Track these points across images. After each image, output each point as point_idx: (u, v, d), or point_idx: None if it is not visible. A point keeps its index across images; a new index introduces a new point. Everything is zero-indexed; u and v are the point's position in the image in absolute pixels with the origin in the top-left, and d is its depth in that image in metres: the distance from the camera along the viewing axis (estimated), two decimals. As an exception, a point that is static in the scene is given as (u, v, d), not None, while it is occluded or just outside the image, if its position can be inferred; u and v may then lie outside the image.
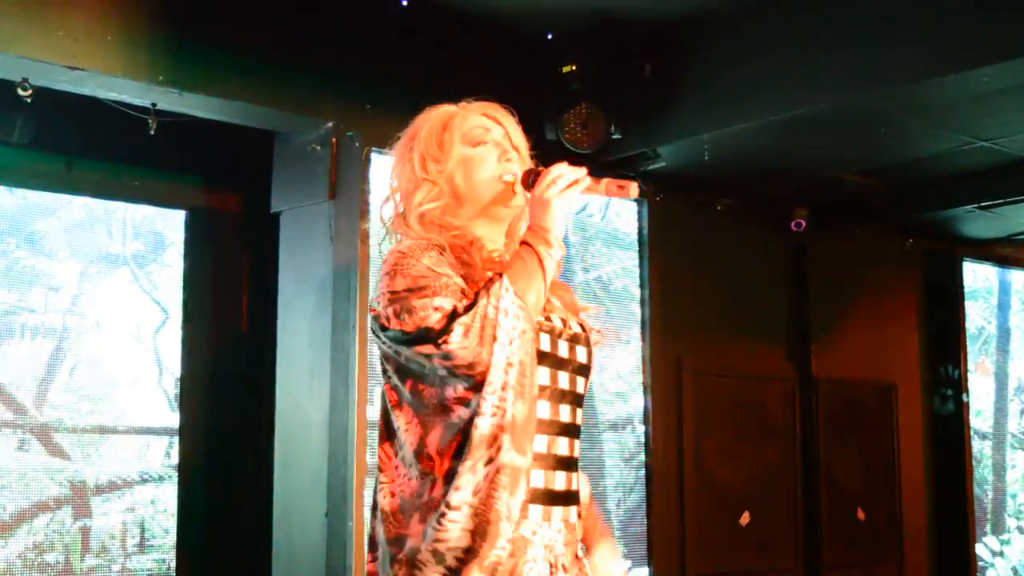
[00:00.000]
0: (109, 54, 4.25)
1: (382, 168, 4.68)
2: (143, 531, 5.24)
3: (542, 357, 2.42)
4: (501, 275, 2.34)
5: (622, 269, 5.91)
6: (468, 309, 2.29)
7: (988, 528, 7.48)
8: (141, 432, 5.29)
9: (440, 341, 2.29)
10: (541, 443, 2.41)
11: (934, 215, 6.44)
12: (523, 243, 2.44)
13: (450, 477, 2.29)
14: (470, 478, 2.27)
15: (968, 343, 7.18)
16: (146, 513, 5.25)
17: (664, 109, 5.14)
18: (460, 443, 2.31)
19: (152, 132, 4.57)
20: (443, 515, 2.27)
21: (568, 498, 2.49)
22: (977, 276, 7.61)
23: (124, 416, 5.24)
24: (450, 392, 2.34)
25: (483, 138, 2.57)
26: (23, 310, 5.05)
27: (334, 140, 4.71)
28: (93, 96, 4.47)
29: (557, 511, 2.45)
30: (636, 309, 5.82)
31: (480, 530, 2.26)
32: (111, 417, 5.20)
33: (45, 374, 5.07)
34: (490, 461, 2.27)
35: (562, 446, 2.47)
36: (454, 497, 2.27)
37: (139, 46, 4.31)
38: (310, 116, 4.72)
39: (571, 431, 2.51)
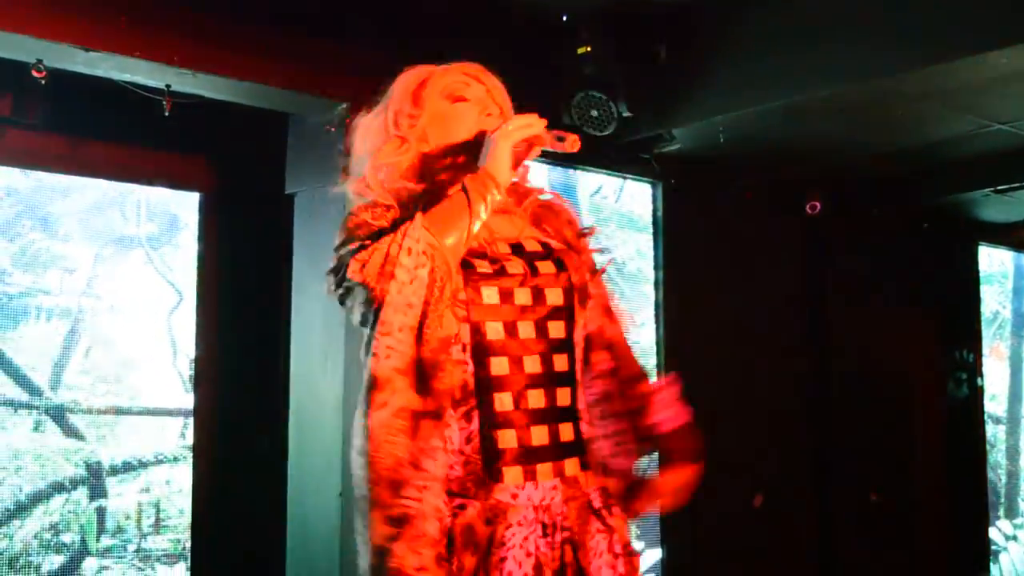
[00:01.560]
0: (123, 35, 4.21)
1: None
2: (158, 512, 5.24)
3: (490, 312, 2.33)
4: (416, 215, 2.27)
5: (636, 251, 5.88)
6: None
7: (1002, 512, 7.49)
8: (156, 413, 5.30)
9: (339, 277, 2.30)
10: (506, 400, 2.31)
11: (950, 199, 6.40)
12: (461, 185, 2.36)
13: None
14: (365, 424, 2.19)
15: (983, 327, 7.16)
16: (161, 494, 5.25)
17: (679, 92, 5.10)
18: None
19: (167, 114, 4.54)
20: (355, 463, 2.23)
21: (557, 451, 2.36)
22: (993, 260, 7.58)
23: (139, 397, 5.24)
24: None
25: (463, 94, 2.51)
26: (38, 292, 5.05)
27: (348, 121, 4.61)
28: (107, 78, 4.44)
29: (544, 467, 2.33)
30: (650, 291, 5.80)
31: (384, 480, 2.16)
32: (126, 398, 5.20)
33: (60, 355, 5.07)
34: (383, 405, 2.18)
35: (534, 399, 2.33)
36: (357, 443, 2.22)
37: (153, 27, 4.27)
38: (324, 97, 4.69)
39: (548, 380, 2.37)
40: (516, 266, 2.40)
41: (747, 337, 6.20)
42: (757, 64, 4.91)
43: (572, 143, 2.41)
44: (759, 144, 5.59)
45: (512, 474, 2.29)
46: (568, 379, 2.41)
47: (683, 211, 5.83)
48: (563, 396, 2.39)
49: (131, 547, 5.15)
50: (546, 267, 2.44)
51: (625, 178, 5.67)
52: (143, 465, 5.22)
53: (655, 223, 5.77)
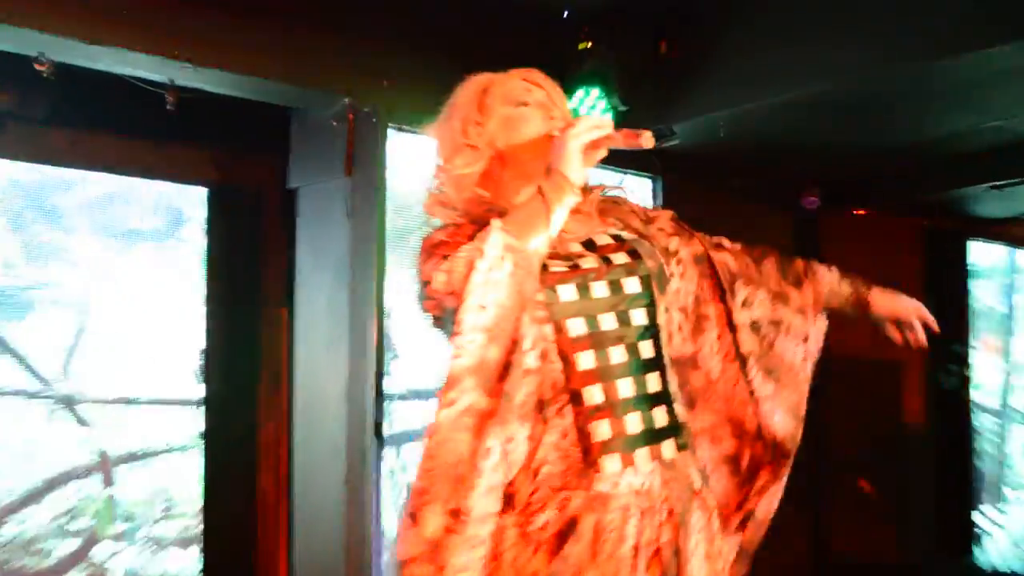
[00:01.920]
0: (125, 28, 4.12)
1: (399, 144, 4.72)
2: (169, 499, 5.22)
3: (573, 308, 2.30)
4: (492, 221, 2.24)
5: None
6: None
7: (987, 498, 7.43)
8: (165, 403, 5.24)
9: (427, 288, 2.26)
10: (596, 393, 2.28)
11: (946, 194, 6.37)
12: (538, 188, 2.31)
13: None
14: (437, 417, 2.15)
15: (977, 321, 7.14)
16: (171, 481, 5.23)
17: (680, 87, 5.08)
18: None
19: (171, 108, 4.47)
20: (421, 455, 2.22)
21: (653, 436, 2.34)
22: (986, 255, 7.56)
23: (149, 388, 5.19)
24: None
25: (525, 98, 2.47)
26: (47, 284, 5.02)
27: (351, 116, 4.63)
28: (110, 72, 4.35)
29: (641, 453, 2.30)
30: (650, 283, 5.71)
31: (445, 475, 2.14)
32: (136, 389, 5.15)
33: (71, 346, 5.05)
34: (451, 403, 2.14)
35: (624, 388, 2.31)
36: (426, 440, 2.17)
37: (155, 21, 4.19)
38: (327, 91, 4.64)
39: (635, 368, 2.34)
40: (589, 261, 2.38)
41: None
42: (757, 60, 4.87)
43: (647, 139, 2.34)
44: (759, 140, 5.54)
45: (610, 463, 2.27)
46: (657, 364, 2.39)
47: (683, 204, 5.69)
48: (653, 382, 2.37)
49: (142, 533, 5.11)
50: (620, 258, 2.41)
51: (625, 173, 5.53)
52: (153, 453, 5.20)
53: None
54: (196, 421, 5.20)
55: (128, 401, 5.12)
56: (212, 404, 5.18)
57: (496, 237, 2.18)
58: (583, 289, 2.33)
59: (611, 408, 2.30)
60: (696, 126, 5.05)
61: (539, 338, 2.27)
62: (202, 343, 5.19)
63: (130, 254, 5.22)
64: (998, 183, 5.96)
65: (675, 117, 5.14)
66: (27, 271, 4.95)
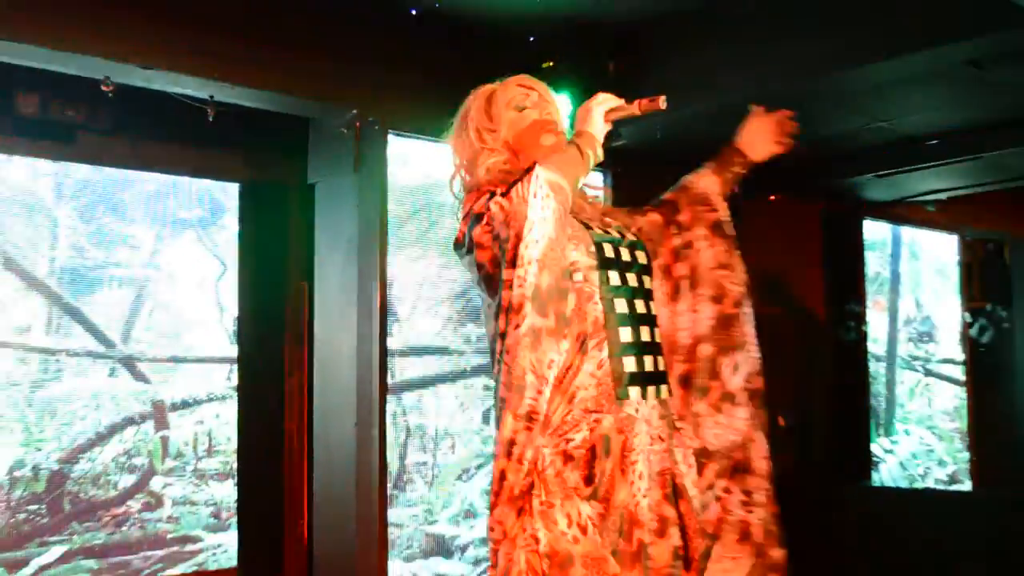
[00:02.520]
0: (174, 55, 4.20)
1: (397, 146, 4.76)
2: (211, 439, 5.23)
3: (610, 263, 2.39)
4: (535, 165, 2.26)
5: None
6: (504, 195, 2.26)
7: (881, 431, 7.51)
8: (207, 361, 5.26)
9: (484, 220, 2.29)
10: (627, 334, 2.35)
11: (843, 182, 6.40)
12: (569, 142, 2.40)
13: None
14: (508, 340, 2.19)
15: (867, 285, 7.18)
16: (213, 425, 5.24)
17: (625, 97, 4.97)
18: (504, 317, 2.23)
19: (211, 119, 4.53)
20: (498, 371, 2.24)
21: (658, 377, 2.43)
22: (875, 231, 7.56)
23: (193, 349, 5.22)
24: (505, 275, 2.24)
25: (524, 103, 2.55)
26: (111, 264, 5.01)
27: (358, 124, 4.67)
28: (162, 91, 4.42)
29: (651, 390, 2.39)
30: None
31: (510, 383, 2.17)
32: (182, 349, 5.18)
33: (129, 315, 5.05)
34: (517, 326, 2.18)
35: (645, 334, 2.40)
36: (505, 358, 2.21)
37: (199, 49, 4.25)
38: (338, 104, 4.67)
39: (649, 320, 2.44)
40: (613, 231, 2.49)
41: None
42: (687, 75, 4.89)
43: (663, 101, 2.43)
44: (689, 139, 5.20)
45: (634, 393, 2.34)
46: (654, 321, 2.47)
47: (629, 194, 5.77)
48: (656, 334, 2.46)
49: (189, 468, 5.15)
50: (629, 235, 2.54)
51: None
52: (197, 403, 5.20)
53: (606, 203, 5.72)
54: (232, 376, 5.24)
55: (176, 359, 5.14)
56: (245, 361, 5.24)
57: (543, 174, 2.22)
58: (616, 250, 2.42)
59: (636, 347, 2.36)
60: (638, 129, 5.08)
61: (589, 279, 2.33)
62: (236, 311, 5.25)
63: (178, 239, 5.20)
64: (882, 172, 6.02)
65: (620, 122, 5.14)
66: (95, 254, 4.94)
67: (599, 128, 2.41)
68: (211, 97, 4.47)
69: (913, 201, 6.82)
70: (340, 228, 4.79)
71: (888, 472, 7.42)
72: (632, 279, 2.43)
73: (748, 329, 2.71)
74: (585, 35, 4.95)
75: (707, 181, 2.80)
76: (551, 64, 4.84)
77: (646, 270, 2.50)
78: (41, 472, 4.69)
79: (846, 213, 6.84)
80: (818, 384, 6.65)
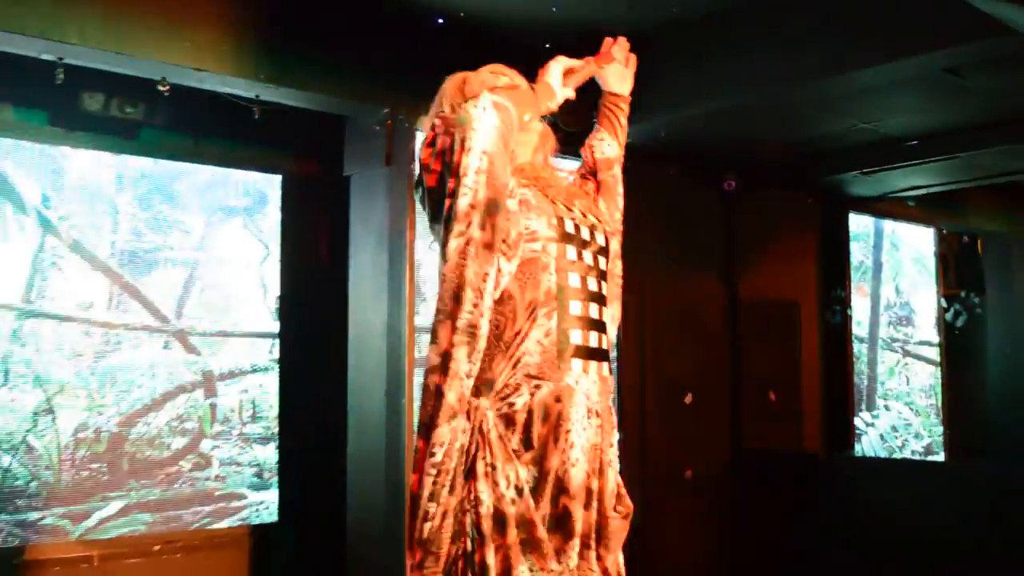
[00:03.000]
0: (224, 59, 4.20)
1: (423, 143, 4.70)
2: (254, 406, 5.24)
3: (569, 238, 2.27)
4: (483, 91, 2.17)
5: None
6: None
7: (863, 406, 7.49)
8: (251, 336, 5.28)
9: (427, 140, 2.21)
10: (577, 307, 2.23)
11: (830, 178, 6.33)
12: (529, 86, 2.34)
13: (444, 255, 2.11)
14: (448, 249, 2.07)
15: (852, 273, 7.13)
16: (256, 394, 5.25)
17: (632, 100, 5.00)
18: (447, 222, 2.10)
19: (256, 117, 4.55)
20: (439, 282, 2.11)
21: (602, 354, 2.30)
22: (860, 224, 7.54)
23: (239, 324, 5.23)
24: (449, 185, 2.11)
25: (495, 83, 2.40)
26: (166, 248, 5.04)
27: (389, 122, 4.66)
28: (213, 91, 4.43)
29: (593, 365, 2.26)
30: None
31: (453, 294, 2.05)
32: (230, 324, 5.20)
33: (182, 294, 5.07)
34: (461, 234, 2.05)
35: (593, 311, 2.27)
36: (441, 266, 2.10)
37: (246, 53, 4.26)
38: (372, 104, 4.65)
39: (599, 299, 2.31)
40: (578, 209, 2.37)
41: (680, 282, 6.20)
42: (689, 80, 4.86)
43: (617, 49, 2.46)
44: (691, 139, 5.54)
45: (577, 365, 2.22)
46: (603, 300, 2.35)
47: (634, 189, 5.75)
48: (604, 313, 2.34)
49: (235, 432, 5.17)
50: (592, 215, 2.42)
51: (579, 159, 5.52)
52: (243, 373, 5.22)
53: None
54: (274, 349, 5.27)
55: (224, 334, 5.15)
56: (286, 336, 5.27)
57: (486, 96, 2.12)
58: (577, 227, 2.30)
59: (583, 322, 2.24)
60: (643, 128, 5.02)
61: (546, 249, 2.22)
62: (278, 291, 5.28)
63: (226, 225, 5.22)
64: (867, 170, 5.99)
65: (628, 122, 5.11)
66: (152, 238, 4.95)
67: (555, 79, 2.34)
68: (257, 97, 4.47)
69: (894, 197, 6.78)
70: (372, 216, 4.78)
71: (869, 443, 7.42)
72: (588, 257, 2.30)
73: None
74: (596, 42, 4.88)
75: (608, 142, 2.72)
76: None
77: (603, 251, 2.37)
78: (102, 434, 4.72)
79: (833, 207, 6.80)
80: (807, 363, 6.58)
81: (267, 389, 5.27)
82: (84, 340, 4.72)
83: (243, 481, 5.15)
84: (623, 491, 2.37)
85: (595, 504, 2.24)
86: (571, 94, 2.40)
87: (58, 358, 4.63)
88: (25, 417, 4.51)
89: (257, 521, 5.14)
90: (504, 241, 2.15)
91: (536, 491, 2.13)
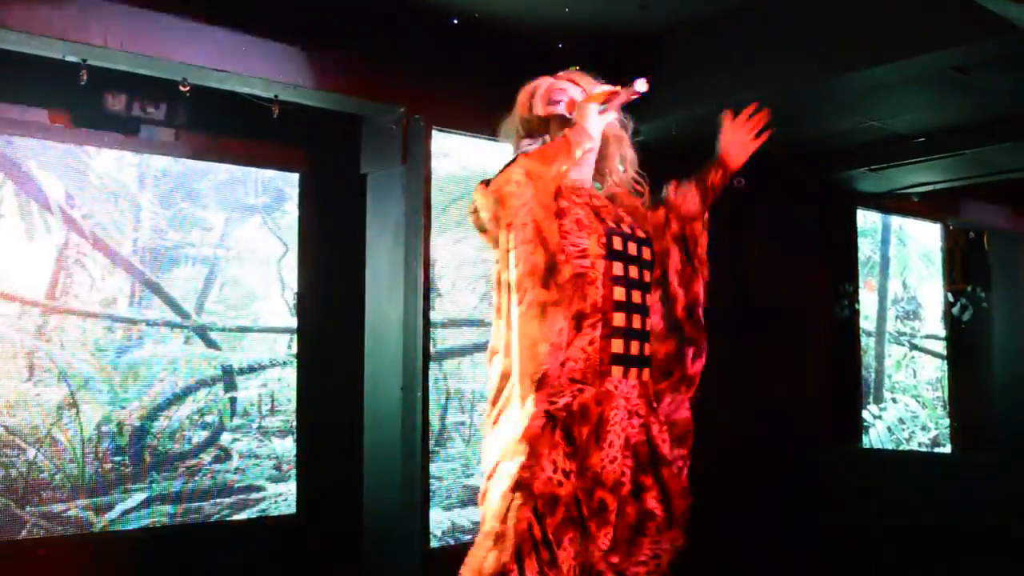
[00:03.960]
0: (244, 60, 4.22)
1: (438, 141, 4.77)
2: (273, 400, 5.25)
3: (617, 255, 2.37)
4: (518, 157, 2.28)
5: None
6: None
7: (871, 399, 7.47)
8: (270, 331, 5.29)
9: (473, 213, 2.31)
10: (620, 319, 2.34)
11: (839, 174, 6.33)
12: (564, 135, 2.39)
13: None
14: (511, 317, 2.21)
15: (859, 267, 7.12)
16: (275, 388, 5.27)
17: (643, 99, 4.95)
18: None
19: (275, 116, 4.55)
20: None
21: (642, 361, 2.41)
22: (868, 219, 7.50)
23: (258, 319, 5.25)
24: (497, 256, 2.28)
25: (559, 97, 2.53)
26: (187, 245, 5.05)
27: (405, 121, 4.67)
28: (232, 91, 4.44)
29: (633, 371, 2.38)
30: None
31: (520, 355, 2.19)
32: (249, 320, 5.22)
33: (203, 290, 5.08)
34: (520, 302, 2.19)
35: (636, 322, 2.39)
36: (509, 334, 2.23)
37: (265, 54, 4.28)
38: (388, 104, 4.67)
39: (642, 310, 2.42)
40: (626, 226, 2.46)
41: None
42: (700, 78, 4.86)
43: (640, 84, 2.41)
44: (702, 136, 5.38)
45: (616, 372, 2.34)
46: (648, 312, 2.46)
47: (651, 185, 5.73)
48: (647, 323, 2.45)
49: (254, 425, 5.19)
50: (640, 232, 2.51)
51: None
52: (262, 367, 5.23)
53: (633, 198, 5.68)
54: (293, 344, 5.28)
55: (244, 329, 5.17)
56: (304, 332, 5.29)
57: (519, 165, 2.22)
58: (625, 244, 2.40)
59: (625, 333, 2.35)
60: (656, 127, 5.03)
61: (595, 266, 2.31)
62: (297, 287, 5.29)
63: (245, 223, 5.22)
64: (874, 167, 5.98)
65: (639, 120, 5.03)
66: (173, 235, 4.97)
67: (591, 120, 2.39)
68: (276, 97, 4.49)
69: (902, 193, 6.76)
70: (388, 214, 4.78)
71: (877, 435, 7.39)
72: (634, 271, 2.41)
73: (699, 328, 2.61)
74: (609, 41, 4.90)
75: (691, 199, 2.71)
76: (577, 68, 4.77)
77: (648, 265, 2.48)
78: (125, 427, 4.75)
79: (842, 202, 6.79)
80: (817, 356, 6.57)
81: (286, 383, 5.27)
82: (107, 335, 4.75)
83: (262, 473, 5.16)
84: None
85: (650, 495, 2.36)
86: (611, 118, 2.49)
87: (82, 353, 4.66)
88: (50, 411, 4.55)
89: (276, 513, 5.16)
90: (564, 292, 2.24)
91: (578, 483, 2.25)
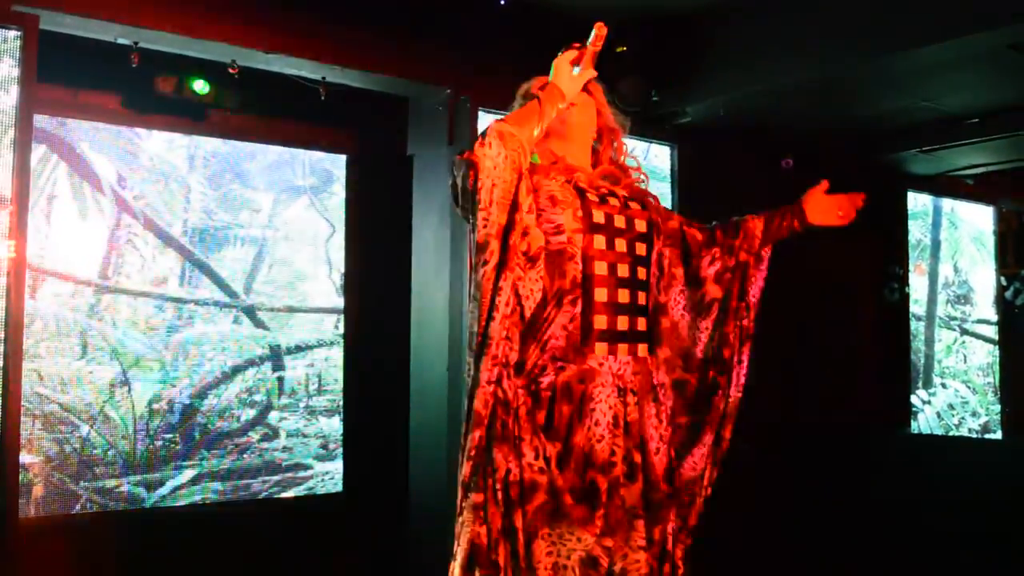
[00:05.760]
0: (292, 42, 4.24)
1: (485, 122, 4.65)
2: (320, 380, 5.28)
3: (598, 227, 2.30)
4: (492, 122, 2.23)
5: (660, 196, 5.77)
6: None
7: (920, 383, 7.37)
8: (318, 311, 5.31)
9: (451, 183, 2.25)
10: (602, 294, 2.28)
11: (890, 156, 6.24)
12: (536, 96, 2.35)
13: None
14: (477, 278, 2.17)
15: (910, 250, 7.03)
16: (322, 367, 5.29)
17: (691, 78, 4.98)
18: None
19: (323, 98, 4.56)
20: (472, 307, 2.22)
21: (633, 336, 2.33)
22: (918, 202, 7.38)
23: (306, 300, 5.27)
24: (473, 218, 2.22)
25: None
26: (236, 226, 5.08)
27: (451, 102, 4.67)
28: (280, 73, 4.46)
29: (622, 347, 2.30)
30: (669, 223, 5.72)
31: (479, 313, 2.16)
32: (297, 300, 5.24)
33: (251, 270, 5.12)
34: (483, 263, 2.15)
35: (623, 296, 2.30)
36: (470, 291, 2.21)
37: (313, 35, 4.29)
38: (434, 85, 4.67)
39: (631, 284, 2.34)
40: (615, 200, 2.39)
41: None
42: (749, 57, 4.81)
43: (598, 32, 2.34)
44: (749, 116, 5.42)
45: (600, 349, 2.27)
46: (646, 285, 2.39)
47: (694, 167, 5.69)
48: (642, 297, 2.37)
49: (302, 404, 5.21)
50: (635, 205, 2.44)
51: (651, 142, 5.49)
52: (309, 347, 5.25)
53: (672, 175, 5.65)
54: (340, 324, 5.30)
55: (291, 309, 5.19)
56: (351, 312, 5.30)
57: (493, 128, 2.19)
58: (609, 216, 2.33)
59: (609, 308, 2.29)
60: (704, 108, 5.00)
61: (572, 240, 2.26)
62: (344, 267, 5.31)
63: (293, 204, 5.25)
64: (926, 148, 5.90)
65: (687, 101, 5.05)
66: (223, 216, 5.01)
67: (563, 80, 2.34)
68: (323, 79, 4.51)
69: (954, 175, 6.66)
70: (435, 195, 4.77)
71: (926, 421, 7.29)
72: (621, 244, 2.33)
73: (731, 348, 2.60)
74: (659, 23, 4.87)
75: (751, 227, 2.74)
76: (623, 48, 4.76)
77: (642, 238, 2.39)
78: (175, 405, 4.81)
79: (891, 185, 6.68)
80: (865, 341, 6.48)
81: (333, 363, 5.30)
82: (158, 315, 4.81)
83: (309, 452, 5.20)
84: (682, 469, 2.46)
85: (641, 476, 2.30)
86: (591, 75, 2.41)
87: (133, 332, 4.73)
88: (103, 388, 4.62)
89: (322, 491, 5.20)
90: (525, 253, 2.21)
91: (562, 464, 2.20)
